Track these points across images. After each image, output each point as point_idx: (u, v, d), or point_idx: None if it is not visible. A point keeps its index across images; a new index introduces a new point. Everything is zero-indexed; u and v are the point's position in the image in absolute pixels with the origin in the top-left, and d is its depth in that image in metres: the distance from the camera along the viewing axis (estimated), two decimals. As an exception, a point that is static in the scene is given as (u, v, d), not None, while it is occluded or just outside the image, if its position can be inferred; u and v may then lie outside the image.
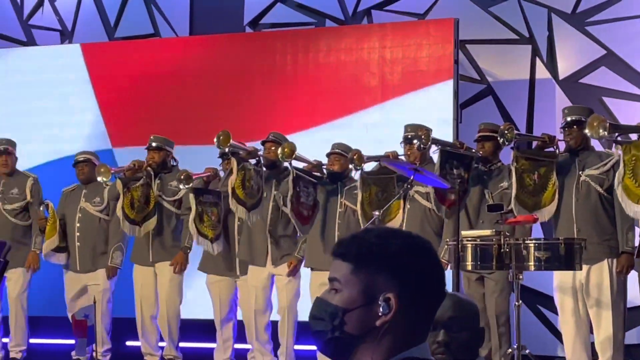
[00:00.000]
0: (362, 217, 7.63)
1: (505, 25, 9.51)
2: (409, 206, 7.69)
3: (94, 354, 8.17)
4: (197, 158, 8.74)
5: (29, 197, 8.85)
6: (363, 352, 2.07)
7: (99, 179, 8.34)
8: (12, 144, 9.01)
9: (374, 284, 2.05)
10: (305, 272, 8.10)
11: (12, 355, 8.82)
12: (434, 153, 7.60)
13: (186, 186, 8.08)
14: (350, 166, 7.77)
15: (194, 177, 8.10)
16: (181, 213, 8.37)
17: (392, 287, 2.04)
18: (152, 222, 8.30)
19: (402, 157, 7.76)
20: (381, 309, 2.04)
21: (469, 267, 6.87)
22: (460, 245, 6.69)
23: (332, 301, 2.09)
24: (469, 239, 6.77)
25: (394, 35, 9.41)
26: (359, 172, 7.75)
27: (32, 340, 8.99)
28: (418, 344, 2.07)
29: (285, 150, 7.75)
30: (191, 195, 8.05)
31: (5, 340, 8.91)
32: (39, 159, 9.87)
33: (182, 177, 8.05)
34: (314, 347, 7.83)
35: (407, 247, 2.07)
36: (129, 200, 8.24)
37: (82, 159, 8.79)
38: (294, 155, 7.79)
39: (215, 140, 7.84)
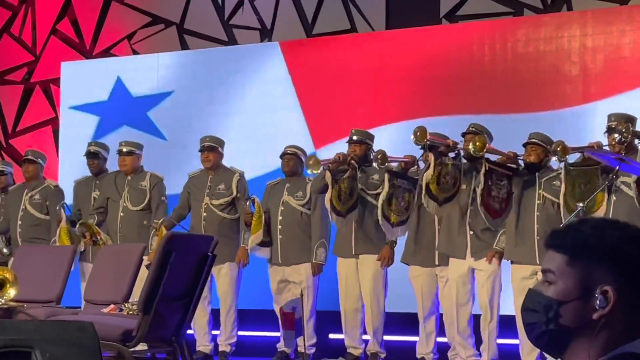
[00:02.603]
0: (565, 209, 7.47)
1: None
2: (614, 198, 7.47)
3: (300, 347, 8.30)
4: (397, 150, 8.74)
5: (235, 192, 9.05)
6: (578, 345, 2.03)
7: (308, 171, 8.41)
8: (218, 141, 9.24)
9: (591, 276, 2.00)
10: (505, 264, 7.98)
11: (221, 348, 9.04)
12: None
13: (381, 166, 8.09)
14: (554, 158, 7.60)
15: (389, 158, 8.11)
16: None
17: (610, 279, 1.99)
18: (354, 214, 8.33)
19: (607, 148, 7.55)
20: (598, 302, 1.99)
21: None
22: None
23: (546, 293, 2.05)
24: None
25: (596, 22, 9.18)
26: (562, 163, 7.58)
27: (240, 333, 9.19)
28: (638, 338, 2.01)
29: (477, 144, 7.67)
30: (386, 176, 8.08)
31: (215, 332, 9.15)
32: (241, 157, 10.09)
33: (378, 156, 8.06)
34: (516, 341, 7.73)
35: (625, 238, 2.02)
36: (337, 192, 8.31)
37: (290, 152, 8.93)
38: (485, 149, 7.70)
39: (412, 136, 7.83)
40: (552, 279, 2.06)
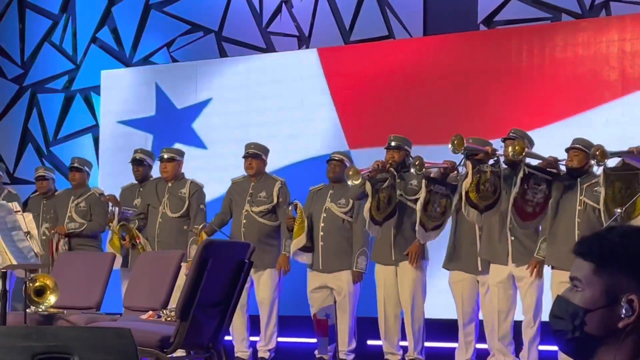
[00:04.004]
0: (605, 214, 7.42)
1: None
2: (652, 203, 7.42)
3: (338, 353, 8.30)
4: (433, 158, 8.73)
5: (275, 200, 9.07)
6: (604, 353, 2.03)
7: (349, 182, 8.31)
8: (262, 148, 9.26)
9: (617, 284, 2.00)
10: (547, 270, 7.95)
11: (260, 354, 9.06)
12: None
13: (418, 172, 8.07)
14: (593, 162, 7.56)
15: (427, 164, 8.08)
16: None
17: (635, 288, 1.99)
18: (391, 222, 8.30)
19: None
20: (624, 311, 1.99)
21: None
22: None
23: (573, 300, 2.06)
24: None
25: (634, 26, 9.13)
26: (601, 168, 7.53)
27: (279, 339, 9.21)
28: (664, 347, 2.01)
29: (516, 148, 7.64)
30: (423, 182, 8.06)
31: (254, 339, 9.18)
32: (279, 162, 10.14)
33: (416, 162, 8.03)
34: (556, 348, 7.69)
35: (652, 247, 2.02)
36: (376, 203, 8.29)
37: (336, 158, 8.94)
38: (524, 153, 7.66)
39: (450, 145, 7.81)
40: (579, 287, 2.07)
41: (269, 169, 9.37)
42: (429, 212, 8.04)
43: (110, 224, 9.52)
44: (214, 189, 9.78)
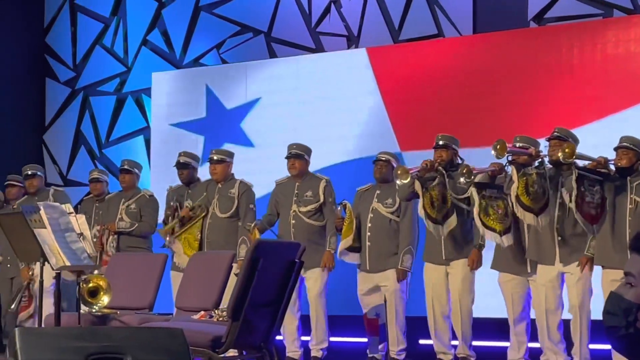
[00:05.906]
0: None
1: None
2: None
3: (389, 352, 8.29)
4: (482, 159, 8.68)
5: (321, 198, 9.09)
6: (660, 350, 2.01)
7: (397, 182, 8.28)
8: (304, 149, 9.28)
9: (670, 280, 1.98)
10: (597, 269, 7.89)
11: (313, 353, 9.07)
12: None
13: (467, 180, 8.03)
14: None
15: (474, 171, 8.03)
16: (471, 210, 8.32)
17: None
18: (452, 221, 8.26)
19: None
20: (677, 307, 1.97)
21: None
22: None
23: (627, 296, 2.04)
24: None
25: (687, 21, 9.04)
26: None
27: (331, 339, 9.22)
28: None
29: (566, 151, 7.58)
30: (473, 189, 8.01)
31: (305, 338, 9.20)
32: (329, 161, 10.15)
33: (463, 171, 8.00)
34: (608, 347, 7.63)
35: None
36: (429, 200, 8.27)
37: (383, 158, 8.94)
38: (574, 156, 7.59)
39: (492, 151, 7.74)
40: (632, 282, 2.05)
41: (317, 168, 9.37)
42: (492, 216, 7.96)
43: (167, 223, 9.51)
44: (261, 189, 9.78)
